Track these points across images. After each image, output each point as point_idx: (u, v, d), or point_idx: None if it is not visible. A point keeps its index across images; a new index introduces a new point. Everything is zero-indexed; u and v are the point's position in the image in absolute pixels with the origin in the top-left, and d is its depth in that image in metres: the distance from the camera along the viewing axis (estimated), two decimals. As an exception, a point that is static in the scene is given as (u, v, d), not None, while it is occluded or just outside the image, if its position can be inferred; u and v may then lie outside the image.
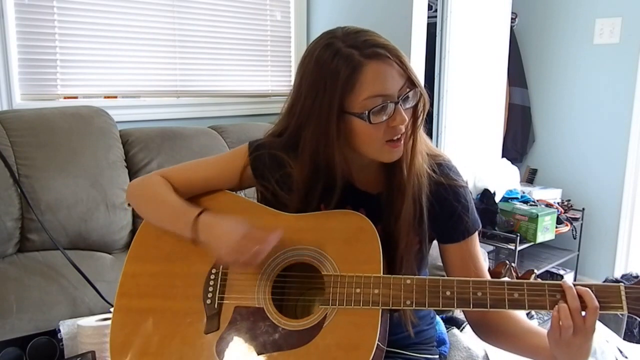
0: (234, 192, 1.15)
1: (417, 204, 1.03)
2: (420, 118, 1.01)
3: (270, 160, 1.08)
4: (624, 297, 0.88)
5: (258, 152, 1.10)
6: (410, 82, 0.96)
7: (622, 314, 0.87)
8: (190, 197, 1.12)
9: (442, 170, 1.07)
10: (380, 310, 0.93)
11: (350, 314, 0.94)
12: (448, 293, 0.93)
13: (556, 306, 0.89)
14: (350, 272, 0.96)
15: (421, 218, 1.04)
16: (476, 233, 1.11)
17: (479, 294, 0.92)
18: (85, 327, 1.33)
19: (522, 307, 0.91)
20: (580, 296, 0.88)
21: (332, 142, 0.96)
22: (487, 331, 1.10)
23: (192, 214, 1.02)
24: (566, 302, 0.88)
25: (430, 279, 0.95)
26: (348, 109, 0.94)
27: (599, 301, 0.87)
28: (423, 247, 1.09)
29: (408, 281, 0.94)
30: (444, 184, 1.06)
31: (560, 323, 0.88)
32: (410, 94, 0.96)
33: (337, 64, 0.92)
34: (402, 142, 0.98)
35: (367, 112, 0.93)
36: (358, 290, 0.94)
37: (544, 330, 1.02)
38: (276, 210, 1.07)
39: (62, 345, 1.35)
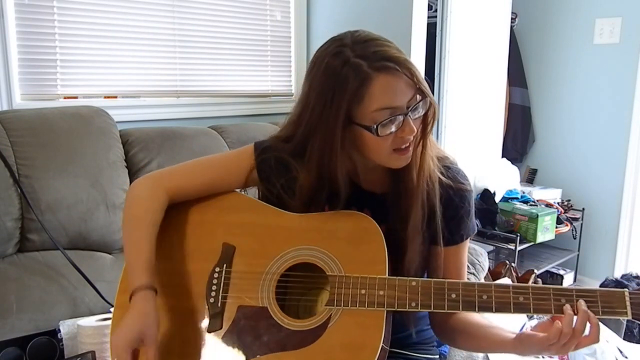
0: (239, 191, 1.14)
1: (426, 208, 1.03)
2: (430, 126, 1.00)
3: (277, 164, 1.07)
4: (628, 303, 0.88)
5: (265, 155, 1.09)
6: (420, 92, 0.95)
7: (625, 320, 0.87)
8: (195, 199, 1.11)
9: (450, 173, 1.07)
10: (385, 312, 0.93)
11: (355, 314, 0.94)
12: (454, 296, 0.93)
13: (559, 324, 0.89)
14: (355, 272, 0.96)
15: (430, 222, 1.04)
16: (469, 239, 1.12)
17: (485, 297, 0.92)
18: (85, 327, 1.33)
19: (527, 311, 0.91)
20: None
21: (337, 152, 0.96)
22: (450, 333, 1.10)
23: (133, 284, 0.96)
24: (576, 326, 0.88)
25: (435, 281, 0.95)
26: (356, 119, 0.94)
27: (602, 306, 0.88)
28: (429, 250, 1.09)
29: (414, 283, 0.94)
30: (452, 187, 1.06)
31: (560, 337, 0.88)
32: (420, 104, 0.95)
33: (346, 74, 0.91)
34: (410, 149, 0.98)
35: (375, 125, 0.92)
36: (363, 291, 0.94)
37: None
38: (281, 210, 1.06)
39: (62, 345, 1.35)
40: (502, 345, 0.99)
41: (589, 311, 0.88)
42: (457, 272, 1.10)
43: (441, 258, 1.10)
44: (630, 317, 0.88)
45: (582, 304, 0.89)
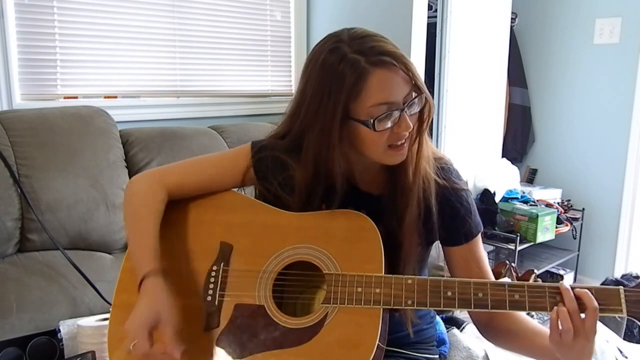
0: (237, 190, 1.14)
1: (421, 207, 1.03)
2: (426, 123, 1.00)
3: (273, 163, 1.08)
4: (623, 300, 0.88)
5: (261, 154, 1.09)
6: (416, 88, 0.95)
7: (621, 317, 0.87)
8: (192, 196, 1.11)
9: (445, 174, 1.07)
10: (381, 310, 0.93)
11: (352, 312, 0.94)
12: (449, 293, 0.93)
13: (555, 308, 0.89)
14: (352, 271, 0.96)
15: (426, 220, 1.04)
16: (479, 235, 1.11)
17: (480, 294, 0.92)
18: (85, 327, 1.33)
19: (522, 309, 0.91)
20: (578, 298, 0.88)
21: (334, 147, 0.96)
22: (494, 333, 1.10)
23: (143, 270, 0.97)
24: (564, 304, 0.88)
25: (431, 279, 0.95)
26: (353, 115, 0.94)
27: (598, 303, 0.88)
28: (425, 249, 1.10)
29: (409, 281, 0.94)
30: (448, 187, 1.06)
31: (560, 326, 0.88)
32: (416, 100, 0.95)
33: (343, 69, 0.91)
34: (405, 145, 0.98)
35: (372, 120, 0.92)
36: (359, 290, 0.94)
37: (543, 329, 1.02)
38: (278, 209, 1.07)
39: (62, 345, 1.35)
40: (542, 350, 1.00)
41: (572, 295, 0.88)
42: (470, 272, 1.08)
43: (455, 257, 1.10)
44: (625, 314, 0.88)
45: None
